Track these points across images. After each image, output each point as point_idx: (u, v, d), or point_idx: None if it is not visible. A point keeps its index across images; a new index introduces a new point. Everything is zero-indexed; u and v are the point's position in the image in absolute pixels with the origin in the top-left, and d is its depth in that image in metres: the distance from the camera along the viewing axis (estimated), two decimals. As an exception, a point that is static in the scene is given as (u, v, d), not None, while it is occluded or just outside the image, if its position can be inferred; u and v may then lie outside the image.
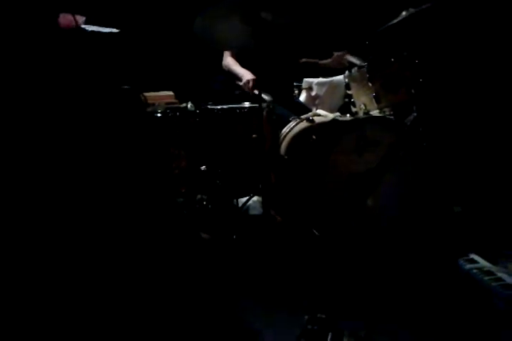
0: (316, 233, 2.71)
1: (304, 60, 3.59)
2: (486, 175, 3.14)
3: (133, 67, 2.98)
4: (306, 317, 1.88)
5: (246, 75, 3.13)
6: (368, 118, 2.80)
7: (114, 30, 2.55)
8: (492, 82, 3.32)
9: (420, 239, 2.65)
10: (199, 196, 2.82)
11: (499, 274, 1.97)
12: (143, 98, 2.81)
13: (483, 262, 2.16)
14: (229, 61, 3.32)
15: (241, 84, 3.12)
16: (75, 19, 2.38)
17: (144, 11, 2.86)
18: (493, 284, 1.91)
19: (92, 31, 2.47)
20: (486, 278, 1.96)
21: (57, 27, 2.43)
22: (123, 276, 2.30)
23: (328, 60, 3.47)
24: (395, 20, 3.04)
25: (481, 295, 1.98)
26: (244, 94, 3.12)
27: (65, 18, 2.44)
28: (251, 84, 3.05)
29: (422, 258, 2.51)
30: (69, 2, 2.45)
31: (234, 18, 2.49)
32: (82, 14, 2.51)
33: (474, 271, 2.03)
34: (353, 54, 3.35)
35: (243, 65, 3.26)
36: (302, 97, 3.36)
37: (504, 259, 2.12)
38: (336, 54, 3.41)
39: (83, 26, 2.48)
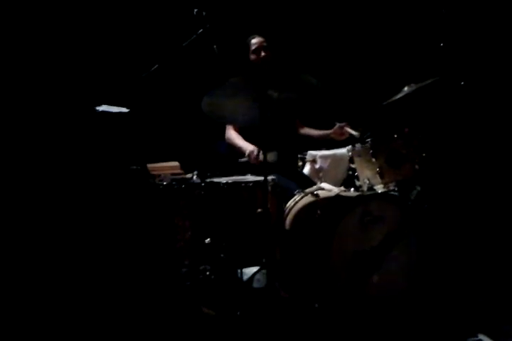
0: (319, 307, 2.66)
1: (306, 130, 3.63)
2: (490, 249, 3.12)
3: (139, 139, 3.03)
4: None
5: (249, 147, 3.14)
6: (373, 194, 2.81)
7: (124, 109, 2.59)
8: (495, 156, 3.36)
9: (428, 316, 2.61)
10: (202, 266, 2.80)
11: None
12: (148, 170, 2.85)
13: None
14: (232, 134, 3.35)
15: (245, 156, 3.12)
16: None
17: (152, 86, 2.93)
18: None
19: (103, 111, 2.53)
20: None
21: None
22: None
23: (330, 131, 3.46)
24: (397, 96, 3.11)
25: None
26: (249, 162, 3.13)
27: None
28: (255, 153, 3.06)
29: (430, 337, 2.45)
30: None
31: (240, 96, 2.52)
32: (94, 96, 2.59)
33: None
34: (353, 127, 3.35)
35: (246, 138, 3.29)
36: (306, 169, 3.37)
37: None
38: (337, 125, 3.41)
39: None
